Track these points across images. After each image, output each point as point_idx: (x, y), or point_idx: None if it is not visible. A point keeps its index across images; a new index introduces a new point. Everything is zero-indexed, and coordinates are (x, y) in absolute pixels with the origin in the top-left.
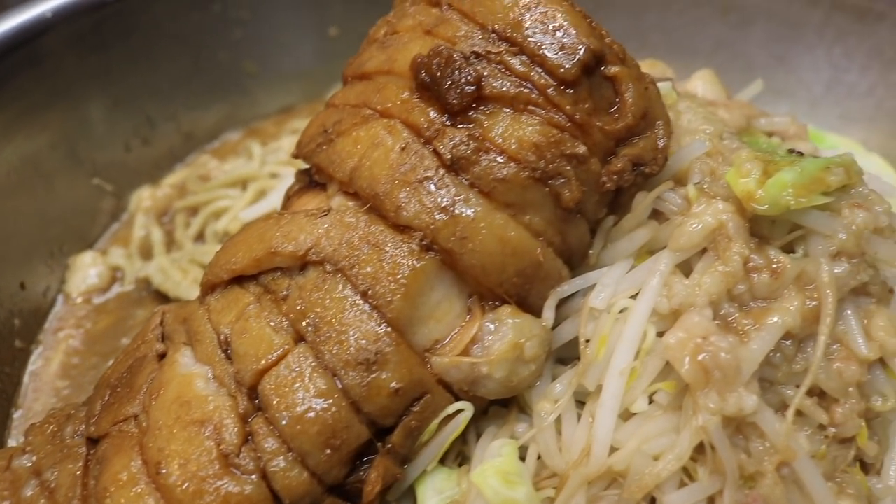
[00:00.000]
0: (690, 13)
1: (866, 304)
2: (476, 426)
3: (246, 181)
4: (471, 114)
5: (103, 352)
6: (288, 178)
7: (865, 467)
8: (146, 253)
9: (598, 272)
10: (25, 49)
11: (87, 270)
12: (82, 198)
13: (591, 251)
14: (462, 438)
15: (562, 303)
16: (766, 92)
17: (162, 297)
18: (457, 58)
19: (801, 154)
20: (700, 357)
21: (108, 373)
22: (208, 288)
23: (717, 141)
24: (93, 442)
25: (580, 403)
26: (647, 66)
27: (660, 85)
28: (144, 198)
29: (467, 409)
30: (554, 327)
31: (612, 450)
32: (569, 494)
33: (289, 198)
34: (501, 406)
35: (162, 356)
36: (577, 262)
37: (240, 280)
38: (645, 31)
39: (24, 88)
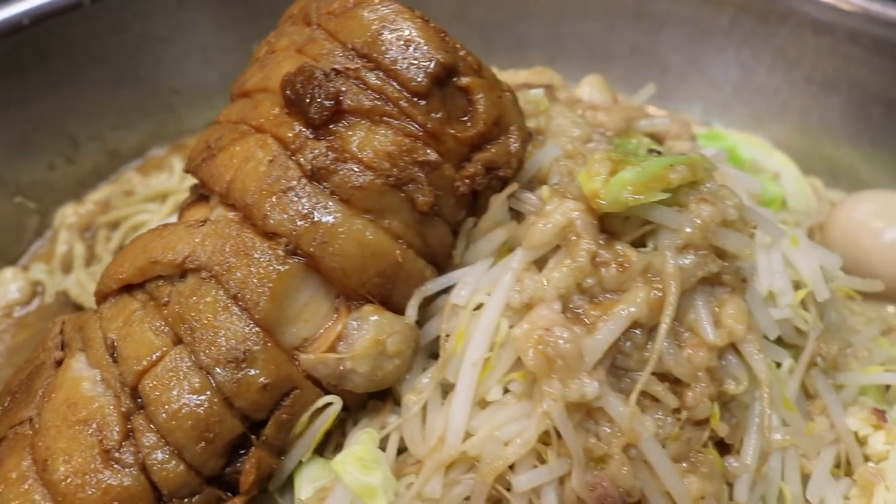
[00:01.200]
0: (604, 20)
1: (720, 293)
2: (354, 419)
3: (166, 195)
4: (331, 127)
5: (20, 364)
6: None
7: (728, 448)
8: (67, 267)
9: (461, 271)
10: None
11: (7, 286)
12: (5, 216)
13: (454, 252)
14: (341, 430)
15: (431, 301)
16: (680, 95)
17: (80, 310)
18: (318, 75)
19: (658, 153)
20: (542, 347)
21: (11, 381)
22: (101, 297)
23: (578, 144)
24: None
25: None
26: (535, 74)
27: (532, 92)
28: (68, 214)
29: (336, 403)
30: (424, 324)
31: (469, 436)
32: (425, 478)
33: (181, 211)
34: (379, 400)
35: (60, 363)
36: (441, 262)
37: (128, 289)
38: (562, 38)
39: None
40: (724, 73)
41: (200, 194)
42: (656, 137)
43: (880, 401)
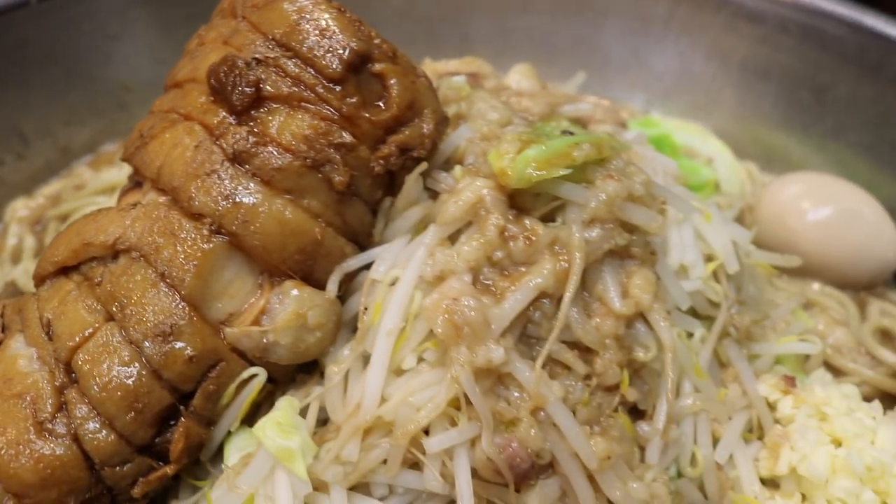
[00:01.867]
0: (548, 13)
1: (630, 265)
2: (282, 391)
3: (115, 188)
4: (253, 112)
5: None
6: None
7: (642, 414)
8: (17, 259)
9: (380, 248)
10: None
11: None
12: None
13: (374, 230)
14: (270, 402)
15: (352, 278)
16: (622, 85)
17: None
18: (239, 64)
19: (571, 134)
20: (450, 316)
21: None
22: (38, 280)
23: (495, 127)
24: None
25: None
26: (464, 63)
27: (454, 79)
28: (18, 208)
29: (261, 374)
30: (346, 300)
31: (384, 402)
32: (343, 442)
33: (119, 198)
34: (306, 374)
35: (0, 343)
36: (362, 240)
37: (64, 271)
38: (508, 32)
39: None
40: (664, 63)
41: (136, 181)
42: (581, 122)
43: (798, 370)
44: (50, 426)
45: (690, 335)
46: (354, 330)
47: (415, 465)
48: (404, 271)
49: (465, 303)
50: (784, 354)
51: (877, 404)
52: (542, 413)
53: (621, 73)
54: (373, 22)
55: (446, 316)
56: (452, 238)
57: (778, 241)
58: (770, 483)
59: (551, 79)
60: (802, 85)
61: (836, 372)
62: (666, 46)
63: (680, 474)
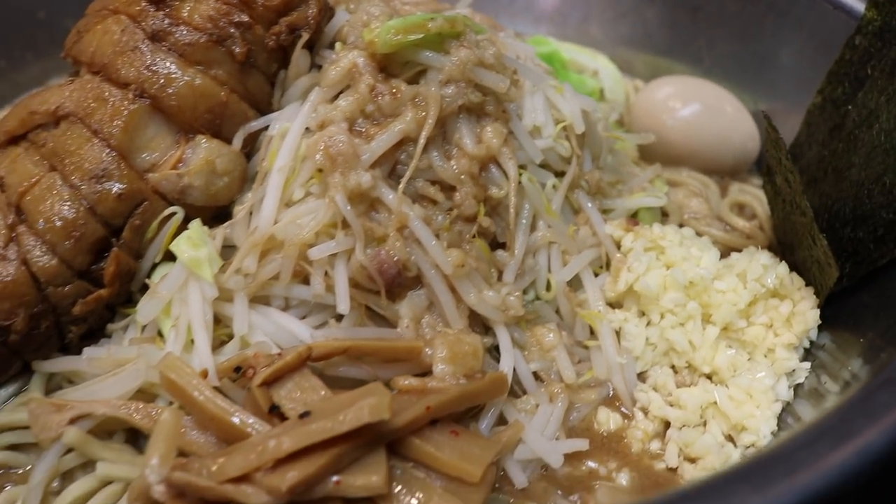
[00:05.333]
0: None
1: (485, 121)
2: None
3: None
4: (168, 1)
5: None
6: None
7: (504, 246)
8: None
9: (277, 113)
10: None
11: None
12: None
13: (272, 100)
14: None
15: (255, 138)
16: (524, 19)
17: None
18: None
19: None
20: (326, 148)
21: None
22: None
23: (370, 14)
24: None
25: None
26: None
27: None
28: None
29: (179, 213)
30: (251, 155)
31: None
32: (242, 255)
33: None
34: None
35: None
36: (263, 108)
37: (14, 140)
38: None
39: None
40: None
41: (74, 72)
42: None
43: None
44: (2, 253)
45: (543, 185)
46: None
47: (305, 282)
48: (293, 123)
49: (338, 138)
50: (643, 212)
51: (706, 239)
52: (407, 230)
53: (523, 10)
54: None
55: (323, 147)
56: (334, 100)
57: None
58: (615, 305)
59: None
60: (680, 7)
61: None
62: None
63: (537, 299)
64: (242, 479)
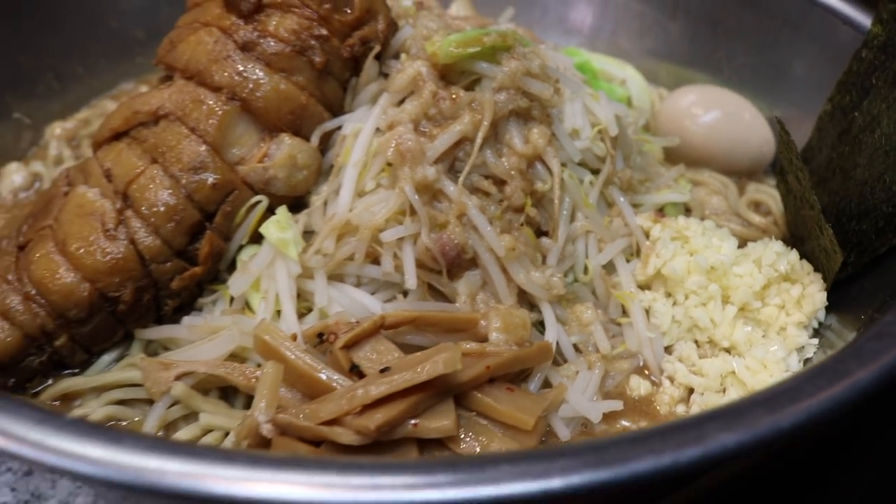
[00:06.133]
0: None
1: (532, 124)
2: None
3: None
4: (256, 16)
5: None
6: None
7: (547, 234)
8: (59, 163)
9: (349, 115)
10: None
11: (12, 176)
12: (5, 128)
13: (345, 103)
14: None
15: (329, 137)
16: (557, 31)
17: None
18: None
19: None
20: (397, 145)
21: (28, 213)
22: (96, 146)
23: (429, 28)
24: (21, 248)
25: None
26: None
27: (403, 2)
28: (56, 128)
29: (264, 201)
30: (326, 151)
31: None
32: (322, 238)
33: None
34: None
35: (67, 194)
36: (336, 111)
37: (117, 136)
38: None
39: None
40: (591, 12)
41: (165, 77)
42: None
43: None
44: (114, 234)
45: (581, 181)
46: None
47: (375, 262)
48: (365, 123)
49: (407, 137)
50: (668, 206)
51: (725, 230)
52: (465, 218)
53: (556, 22)
54: None
55: (394, 144)
56: (400, 104)
57: (679, 142)
58: (645, 287)
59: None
60: (701, 21)
61: None
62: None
63: (576, 281)
64: (333, 422)
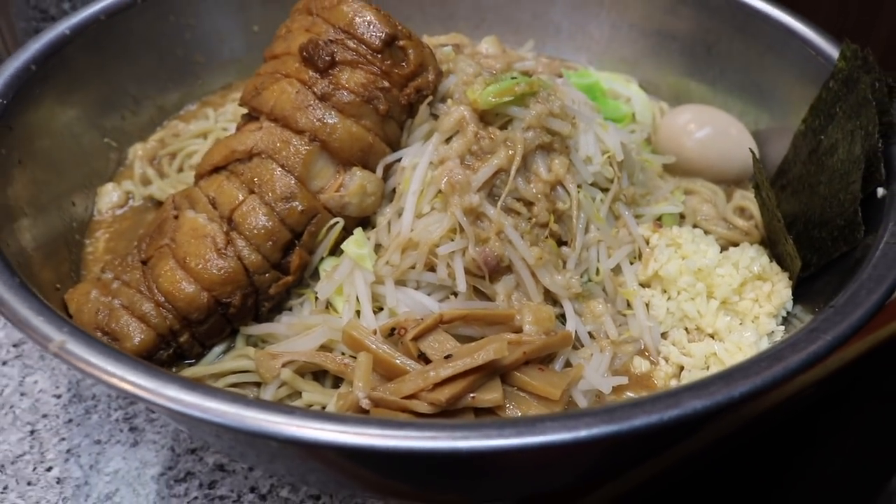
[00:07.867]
0: None
1: (554, 155)
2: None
3: (206, 133)
4: (331, 72)
5: (127, 239)
6: (232, 129)
7: (566, 244)
8: (146, 182)
9: (405, 150)
10: (54, 58)
11: (110, 194)
12: (98, 151)
13: (402, 140)
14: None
15: (390, 167)
16: (570, 48)
17: (159, 205)
18: (321, 43)
19: (514, 78)
20: (448, 178)
21: (143, 233)
22: (199, 177)
23: (471, 77)
24: (143, 263)
25: None
26: (450, 38)
27: (444, 49)
28: (138, 150)
29: (340, 222)
30: (388, 179)
31: (413, 231)
32: (390, 252)
33: (238, 127)
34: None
35: (176, 217)
36: (395, 146)
37: (216, 169)
38: (483, 11)
39: (61, 81)
40: (600, 31)
41: (250, 116)
42: (528, 73)
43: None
44: (224, 252)
45: (594, 199)
46: (391, 200)
47: (432, 270)
48: (421, 158)
49: (456, 171)
50: (666, 217)
51: (711, 238)
52: (503, 234)
53: (568, 40)
54: (386, 9)
55: (447, 178)
56: (447, 141)
57: (672, 153)
58: (645, 285)
59: (513, 45)
60: (697, 43)
61: (705, 233)
62: (601, 19)
63: (589, 281)
64: (412, 396)
